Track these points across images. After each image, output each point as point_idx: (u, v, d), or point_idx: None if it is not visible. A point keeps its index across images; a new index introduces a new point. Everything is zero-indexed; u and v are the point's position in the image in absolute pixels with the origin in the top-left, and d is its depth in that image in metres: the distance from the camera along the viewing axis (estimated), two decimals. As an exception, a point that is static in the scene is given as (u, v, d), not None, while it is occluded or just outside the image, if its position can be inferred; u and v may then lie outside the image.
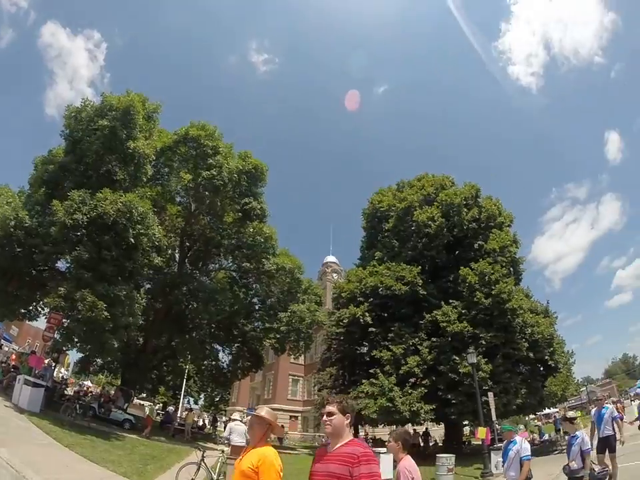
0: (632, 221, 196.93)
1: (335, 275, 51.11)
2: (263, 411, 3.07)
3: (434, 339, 21.22)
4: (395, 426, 28.12)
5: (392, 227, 25.64)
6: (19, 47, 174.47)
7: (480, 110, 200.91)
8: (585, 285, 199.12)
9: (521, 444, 6.11)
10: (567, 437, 6.58)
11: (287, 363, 43.86)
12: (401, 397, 19.61)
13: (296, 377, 46.68)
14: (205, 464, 9.57)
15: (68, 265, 16.99)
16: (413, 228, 23.97)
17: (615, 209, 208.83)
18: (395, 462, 4.33)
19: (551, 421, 33.65)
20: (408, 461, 4.20)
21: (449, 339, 20.62)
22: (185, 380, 34.16)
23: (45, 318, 18.12)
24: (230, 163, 21.41)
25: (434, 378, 20.40)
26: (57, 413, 14.56)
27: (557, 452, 16.40)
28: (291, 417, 43.38)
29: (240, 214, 23.53)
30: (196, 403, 49.62)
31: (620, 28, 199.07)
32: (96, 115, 17.00)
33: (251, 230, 23.28)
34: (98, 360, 22.23)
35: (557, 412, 31.67)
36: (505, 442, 6.55)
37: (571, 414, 6.81)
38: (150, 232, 16.22)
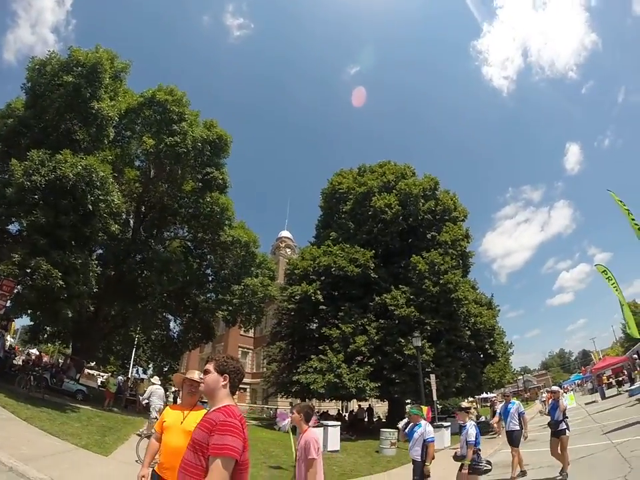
0: (580, 229, 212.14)
1: (288, 250, 51.56)
2: (196, 374, 3.31)
3: (382, 321, 22.26)
4: (341, 401, 29.51)
5: (350, 210, 26.29)
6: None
7: (448, 103, 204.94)
8: (530, 281, 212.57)
9: (425, 427, 6.79)
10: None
11: (236, 335, 44.08)
12: (348, 374, 20.57)
13: (245, 349, 47.15)
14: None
15: (20, 229, 16.06)
16: (370, 212, 24.72)
17: (566, 215, 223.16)
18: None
19: (487, 404, 36.18)
20: (313, 432, 4.31)
21: (396, 321, 21.74)
22: (134, 349, 33.48)
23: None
24: (195, 131, 20.78)
25: (380, 357, 21.54)
26: (9, 385, 14.15)
27: (492, 432, 17.82)
28: (240, 388, 43.79)
29: (200, 183, 23.02)
30: (145, 372, 48.82)
31: (599, 49, 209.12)
32: (61, 69, 15.86)
33: (209, 200, 22.98)
34: (48, 328, 21.44)
35: (495, 397, 34.21)
36: (410, 424, 7.11)
37: (464, 404, 7.39)
38: (109, 198, 15.57)
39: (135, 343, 31.89)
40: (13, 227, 17.71)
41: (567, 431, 8.27)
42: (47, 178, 14.03)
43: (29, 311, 15.67)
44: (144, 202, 24.13)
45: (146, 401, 12.96)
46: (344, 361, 21.12)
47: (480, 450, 6.80)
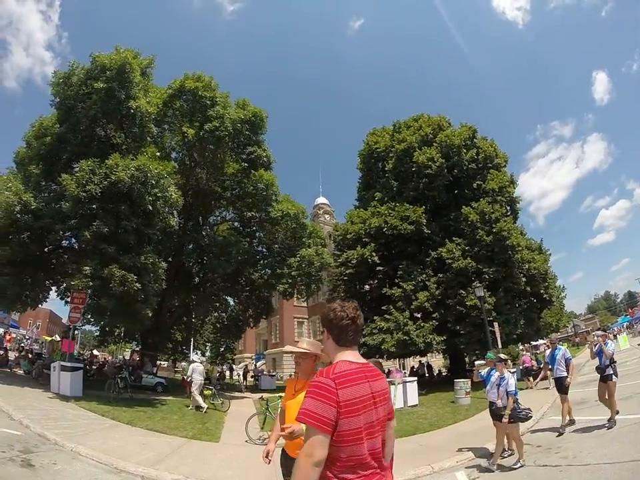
0: (617, 162, 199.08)
1: (327, 216, 52.01)
2: (304, 344, 2.97)
3: (440, 275, 22.38)
4: (399, 359, 30.05)
5: (392, 168, 25.81)
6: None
7: (463, 44, 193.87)
8: (568, 222, 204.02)
9: (509, 380, 6.99)
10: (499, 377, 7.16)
11: (290, 306, 45.08)
12: (415, 330, 20.97)
13: (300, 319, 48.12)
14: (271, 412, 10.36)
15: (82, 241, 15.68)
16: (413, 169, 24.28)
17: (600, 149, 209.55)
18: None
19: (538, 352, 35.81)
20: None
21: (455, 274, 21.71)
22: (192, 335, 34.73)
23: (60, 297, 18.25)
24: (230, 113, 20.71)
25: (443, 311, 21.76)
26: (94, 390, 14.57)
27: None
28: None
29: (245, 164, 23.03)
30: (203, 355, 50.92)
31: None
32: (88, 77, 15.80)
33: (253, 178, 22.96)
34: (116, 330, 22.20)
35: (544, 343, 33.81)
36: (488, 368, 7.48)
37: (503, 356, 7.48)
38: (167, 194, 15.64)
39: (194, 328, 33.05)
40: (67, 243, 18.25)
41: (613, 377, 7.93)
42: (100, 186, 14.08)
43: (108, 318, 15.95)
44: (186, 192, 24.42)
45: (190, 379, 14.22)
46: (409, 319, 21.50)
47: (518, 399, 6.99)
